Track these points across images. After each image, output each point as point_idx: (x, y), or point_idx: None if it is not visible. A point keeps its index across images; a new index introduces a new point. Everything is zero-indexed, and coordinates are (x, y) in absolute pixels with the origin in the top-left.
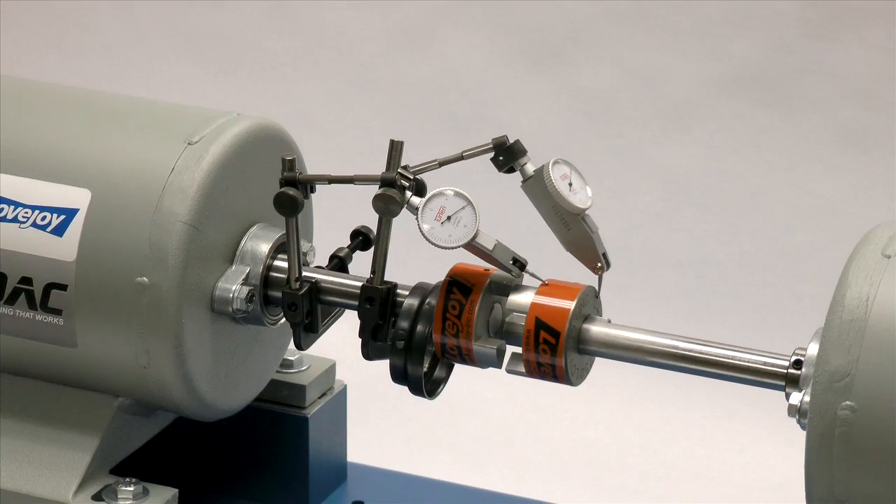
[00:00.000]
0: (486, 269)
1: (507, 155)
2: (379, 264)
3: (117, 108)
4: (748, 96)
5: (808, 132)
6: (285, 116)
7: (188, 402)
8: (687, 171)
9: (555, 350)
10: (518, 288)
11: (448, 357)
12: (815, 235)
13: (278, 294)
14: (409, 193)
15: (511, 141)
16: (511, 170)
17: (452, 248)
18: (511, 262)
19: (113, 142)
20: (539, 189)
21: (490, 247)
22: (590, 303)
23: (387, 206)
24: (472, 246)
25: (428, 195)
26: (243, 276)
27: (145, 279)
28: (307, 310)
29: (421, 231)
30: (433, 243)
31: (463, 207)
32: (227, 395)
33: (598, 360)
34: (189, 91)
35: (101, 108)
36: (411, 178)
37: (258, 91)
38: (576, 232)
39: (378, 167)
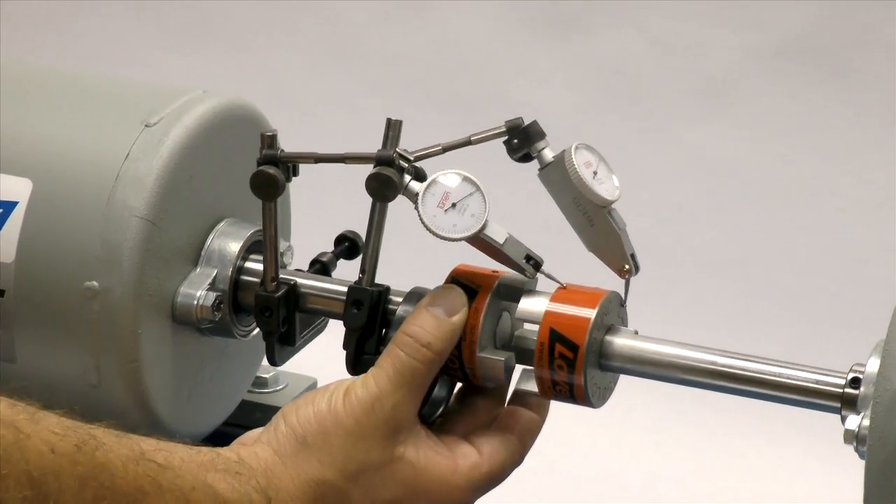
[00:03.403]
0: (493, 271)
1: (522, 138)
2: (370, 263)
3: (63, 85)
4: (797, 70)
5: (867, 112)
6: (259, 94)
7: (145, 426)
8: (726, 157)
9: (573, 366)
10: (530, 293)
11: (447, 372)
12: (875, 232)
13: (250, 300)
14: (407, 177)
15: (527, 123)
16: (526, 157)
17: (457, 238)
18: (524, 259)
19: (58, 124)
20: (559, 178)
21: (501, 240)
22: (613, 311)
23: (382, 188)
24: (480, 239)
25: (430, 179)
26: (209, 280)
27: (95, 283)
28: (283, 316)
29: (421, 219)
30: (435, 233)
31: (470, 194)
32: (191, 419)
33: (623, 378)
34: (147, 64)
35: (45, 84)
36: (411, 159)
37: (227, 64)
38: (600, 228)
39: (367, 148)
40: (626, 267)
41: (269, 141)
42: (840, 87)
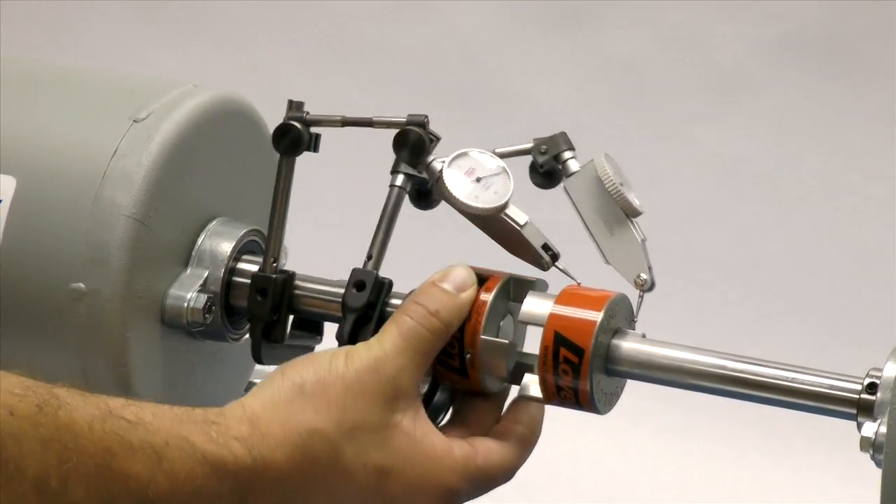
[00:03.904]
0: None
1: (550, 145)
2: (378, 250)
3: (48, 78)
4: (810, 65)
5: (883, 108)
6: (253, 89)
7: None
8: (736, 154)
9: (578, 371)
10: (534, 294)
11: (443, 366)
12: (891, 232)
13: (243, 302)
14: (431, 156)
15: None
16: (547, 177)
17: (478, 209)
18: (542, 248)
19: (43, 119)
20: (584, 186)
21: (521, 222)
22: (621, 314)
23: (410, 146)
24: (500, 219)
25: (456, 153)
26: (201, 282)
27: (82, 285)
28: (276, 303)
29: (444, 184)
30: (456, 199)
31: (497, 174)
32: None
33: (630, 383)
34: (136, 57)
35: (29, 77)
36: (439, 137)
37: (220, 58)
38: (620, 239)
39: (365, 151)
40: (644, 277)
41: (298, 105)
42: (852, 82)
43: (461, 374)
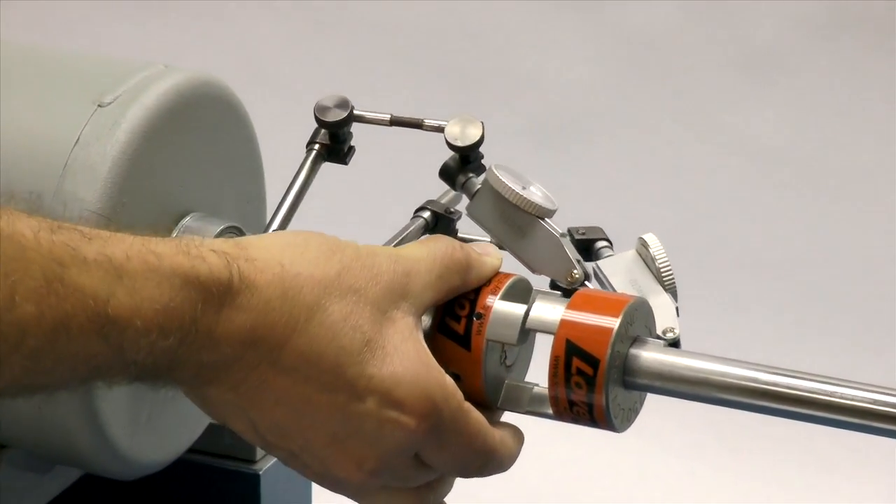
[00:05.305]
0: None
1: (589, 231)
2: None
3: (3, 60)
4: (853, 41)
5: None
6: (229, 69)
7: (98, 453)
8: (769, 141)
9: (592, 384)
10: (544, 298)
11: (446, 333)
12: None
13: None
14: (471, 174)
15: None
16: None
17: (535, 206)
18: (577, 262)
19: None
20: (622, 263)
21: (559, 232)
22: (640, 320)
23: (465, 130)
24: (538, 227)
25: (494, 164)
26: None
27: None
28: None
29: (495, 177)
30: (511, 192)
31: (540, 195)
32: (151, 445)
33: (650, 397)
34: (101, 35)
35: None
36: (485, 166)
37: (193, 35)
38: (653, 302)
39: (361, 141)
40: (676, 332)
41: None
42: None
43: (464, 344)
